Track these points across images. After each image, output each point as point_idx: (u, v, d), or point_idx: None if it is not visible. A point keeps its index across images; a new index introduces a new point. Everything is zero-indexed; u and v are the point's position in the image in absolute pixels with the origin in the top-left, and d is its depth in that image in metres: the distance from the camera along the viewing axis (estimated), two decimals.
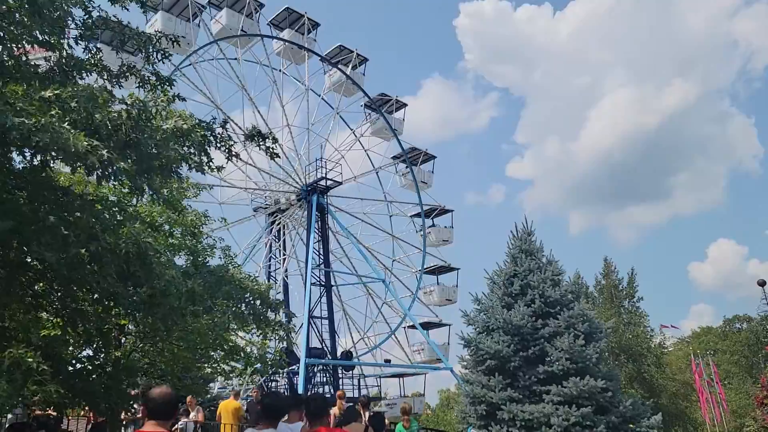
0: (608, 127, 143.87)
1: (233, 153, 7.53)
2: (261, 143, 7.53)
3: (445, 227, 41.43)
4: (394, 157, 40.74)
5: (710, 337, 72.66)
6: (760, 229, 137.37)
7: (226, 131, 7.33)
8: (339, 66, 38.96)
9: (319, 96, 40.12)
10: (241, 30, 34.54)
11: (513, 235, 13.44)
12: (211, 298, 7.50)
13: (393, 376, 37.96)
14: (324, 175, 35.46)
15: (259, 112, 34.92)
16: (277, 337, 11.60)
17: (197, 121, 6.27)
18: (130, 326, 9.81)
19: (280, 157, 7.87)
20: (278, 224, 37.67)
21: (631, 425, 11.60)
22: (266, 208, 37.48)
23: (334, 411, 14.09)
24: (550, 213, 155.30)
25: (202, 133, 6.14)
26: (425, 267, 39.65)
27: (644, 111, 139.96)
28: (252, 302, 8.85)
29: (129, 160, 5.94)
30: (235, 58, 35.28)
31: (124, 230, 5.69)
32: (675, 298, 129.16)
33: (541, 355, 11.76)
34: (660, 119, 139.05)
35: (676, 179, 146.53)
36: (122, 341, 10.39)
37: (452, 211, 41.74)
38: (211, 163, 7.21)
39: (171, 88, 7.06)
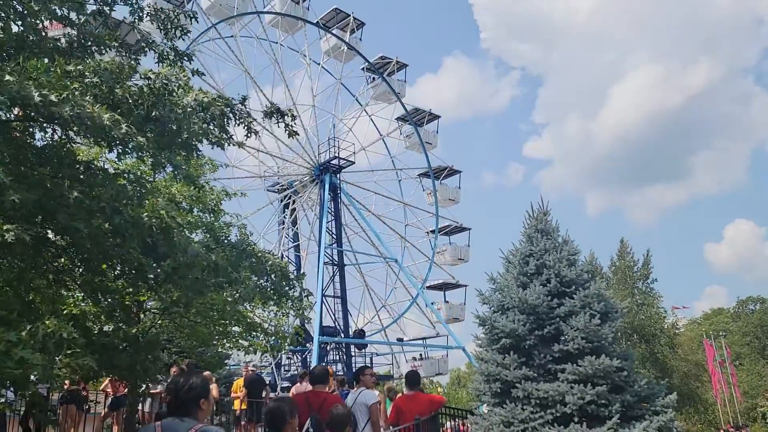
0: (630, 105, 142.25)
1: (252, 130, 7.52)
2: (280, 120, 7.52)
3: (463, 246, 41.37)
4: (398, 119, 40.74)
5: (721, 318, 72.60)
6: None
7: (246, 108, 7.32)
8: (382, 75, 39.11)
9: (354, 96, 40.50)
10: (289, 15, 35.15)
11: (529, 214, 13.33)
12: (235, 271, 7.60)
13: (416, 339, 38.23)
14: (337, 155, 35.47)
15: (288, 90, 35.29)
16: (293, 313, 11.71)
17: (217, 95, 6.26)
18: (149, 302, 9.93)
19: (299, 135, 7.85)
20: (291, 203, 37.81)
21: (645, 404, 11.61)
22: (278, 185, 37.63)
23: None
24: (567, 193, 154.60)
25: (222, 107, 6.13)
26: (432, 281, 39.50)
27: (668, 89, 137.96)
28: (273, 277, 8.94)
29: (150, 135, 5.96)
30: (276, 42, 35.63)
31: (148, 204, 5.75)
32: (689, 279, 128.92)
33: (556, 334, 11.72)
34: (684, 97, 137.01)
35: (697, 159, 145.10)
36: (141, 317, 10.54)
37: (470, 229, 41.65)
38: (231, 139, 7.23)
39: (190, 63, 7.05)
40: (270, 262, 8.84)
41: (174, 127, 6.13)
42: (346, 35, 38.12)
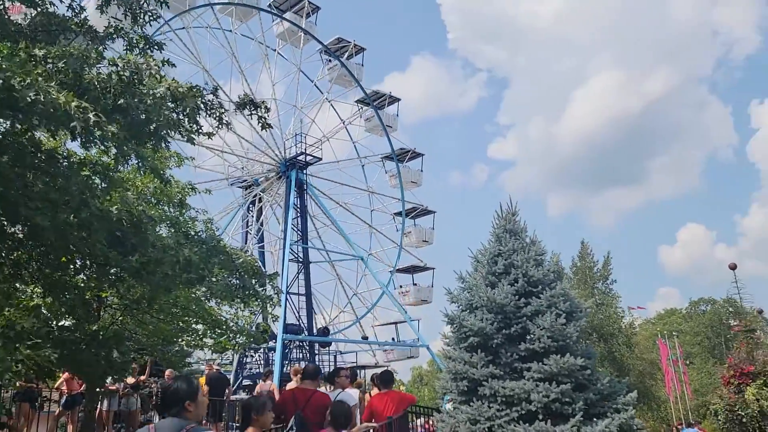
0: (593, 110, 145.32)
1: (224, 121, 7.32)
2: (253, 112, 7.33)
3: (427, 228, 41.52)
4: (358, 101, 40.34)
5: (674, 318, 74.95)
6: (730, 215, 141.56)
7: (218, 98, 7.11)
8: (339, 59, 38.44)
9: (312, 82, 39.81)
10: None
11: (498, 214, 13.43)
12: (206, 267, 7.39)
13: (387, 324, 38.38)
14: (304, 151, 35.13)
15: (247, 82, 34.49)
16: (259, 311, 11.50)
17: (192, 85, 6.03)
18: (110, 298, 9.60)
19: (272, 127, 7.63)
20: (255, 198, 37.28)
21: (607, 401, 11.79)
22: (243, 181, 37.03)
23: (291, 386, 14.28)
24: (529, 195, 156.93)
25: (197, 99, 5.91)
26: (401, 266, 39.73)
27: (629, 95, 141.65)
28: (243, 274, 8.71)
29: (117, 125, 5.72)
30: (230, 30, 34.65)
31: (114, 196, 5.51)
32: (643, 280, 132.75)
33: (522, 333, 11.83)
34: (644, 103, 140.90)
35: (654, 164, 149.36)
36: (101, 314, 10.18)
37: (435, 212, 41.75)
38: (200, 131, 7.00)
39: (161, 52, 6.80)
40: (241, 260, 8.60)
41: (142, 117, 5.90)
42: (301, 20, 37.46)
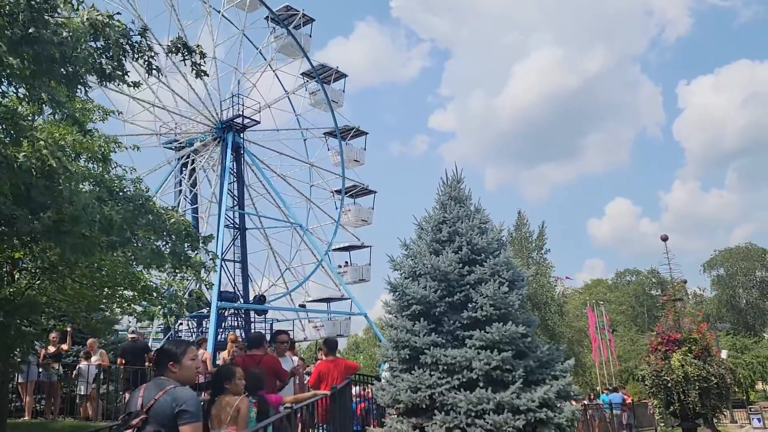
0: (532, 85, 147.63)
1: (153, 66, 6.59)
2: (187, 57, 6.61)
3: (367, 207, 41.13)
4: (304, 74, 38.73)
5: (600, 288, 78.39)
6: (654, 191, 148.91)
7: (147, 40, 6.36)
8: (287, 27, 36.32)
9: (257, 50, 37.75)
10: None
11: (443, 182, 13.18)
12: (130, 229, 6.66)
13: (319, 300, 37.97)
14: (241, 113, 33.73)
15: (156, 40, 32.18)
16: (193, 277, 10.82)
17: (111, 14, 5.23)
18: (26, 260, 8.71)
19: (208, 75, 6.96)
20: (190, 162, 35.73)
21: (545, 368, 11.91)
22: (176, 141, 35.29)
23: (224, 355, 13.84)
24: (468, 166, 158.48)
25: (122, 29, 5.16)
26: (338, 244, 39.34)
27: (567, 72, 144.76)
28: (173, 237, 7.94)
29: (25, 62, 4.96)
30: None
31: (25, 144, 4.75)
32: (573, 251, 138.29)
33: (465, 301, 11.74)
34: (580, 81, 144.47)
35: (588, 140, 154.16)
36: (15, 277, 9.27)
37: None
38: (126, 76, 6.25)
39: None
40: (173, 220, 7.82)
41: (56, 53, 5.13)
42: None
